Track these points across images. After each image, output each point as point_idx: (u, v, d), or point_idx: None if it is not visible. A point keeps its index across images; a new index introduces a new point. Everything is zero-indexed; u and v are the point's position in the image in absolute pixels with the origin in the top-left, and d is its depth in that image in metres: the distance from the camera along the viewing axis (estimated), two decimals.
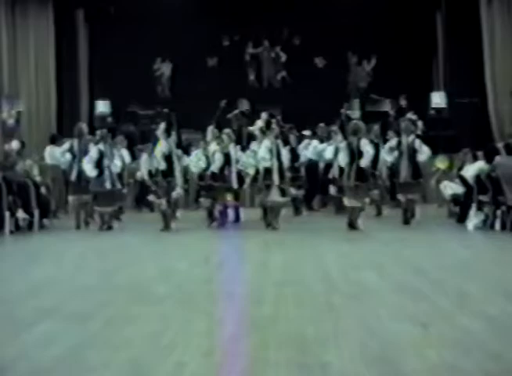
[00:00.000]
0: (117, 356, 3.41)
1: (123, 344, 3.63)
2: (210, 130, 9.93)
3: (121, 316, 4.33)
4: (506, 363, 3.21)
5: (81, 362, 3.36)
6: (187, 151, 10.31)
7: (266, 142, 9.15)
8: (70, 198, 9.78)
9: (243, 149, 11.69)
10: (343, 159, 8.96)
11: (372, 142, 9.40)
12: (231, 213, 9.86)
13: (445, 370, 3.15)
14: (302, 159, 11.11)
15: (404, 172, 9.34)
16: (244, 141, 13.32)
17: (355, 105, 13.67)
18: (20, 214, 9.21)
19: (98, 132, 9.72)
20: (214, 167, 9.28)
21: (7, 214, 8.97)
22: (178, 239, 8.61)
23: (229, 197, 9.46)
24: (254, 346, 3.55)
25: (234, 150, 9.55)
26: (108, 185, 9.15)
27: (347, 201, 8.91)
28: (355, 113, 13.47)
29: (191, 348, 3.55)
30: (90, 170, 9.14)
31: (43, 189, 10.15)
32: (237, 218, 10.05)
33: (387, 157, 9.65)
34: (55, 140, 11.45)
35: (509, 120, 13.76)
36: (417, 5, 14.61)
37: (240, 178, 9.61)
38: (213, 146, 9.52)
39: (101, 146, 9.26)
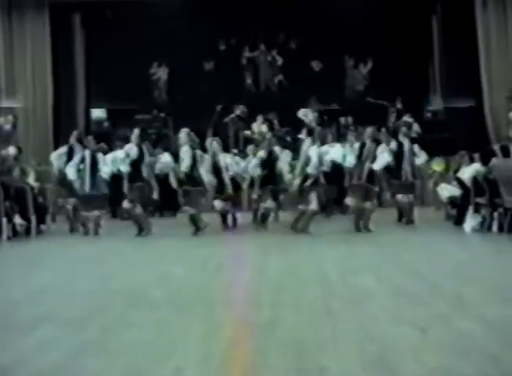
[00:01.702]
0: (114, 362, 3.40)
1: (120, 350, 3.62)
2: (185, 132, 9.91)
3: (119, 321, 4.32)
4: (505, 366, 3.20)
5: (79, 368, 3.35)
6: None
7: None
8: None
9: (241, 152, 11.72)
10: (350, 161, 9.02)
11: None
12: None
13: (443, 374, 3.14)
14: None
15: (405, 174, 9.47)
16: (241, 145, 13.36)
17: (313, 104, 13.73)
18: (17, 219, 9.21)
19: (88, 138, 9.94)
20: (183, 167, 9.06)
21: (4, 220, 8.96)
22: (175, 244, 8.60)
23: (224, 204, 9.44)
24: (252, 351, 3.55)
25: (223, 157, 9.47)
26: (87, 189, 9.29)
27: (350, 201, 8.99)
28: (310, 114, 13.57)
29: (189, 353, 3.54)
30: (71, 173, 9.39)
31: (40, 195, 10.18)
32: (234, 223, 10.07)
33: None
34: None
35: (505, 122, 13.79)
36: (413, 8, 14.65)
37: (235, 183, 9.57)
38: (184, 149, 9.28)
39: (86, 151, 9.43)
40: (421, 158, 9.74)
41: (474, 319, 4.07)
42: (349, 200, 9.08)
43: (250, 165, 9.42)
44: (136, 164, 9.12)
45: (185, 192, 9.19)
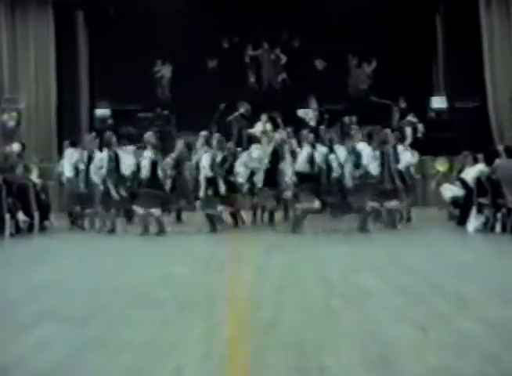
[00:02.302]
0: (116, 360, 3.41)
1: (122, 347, 3.63)
2: (149, 135, 9.87)
3: (120, 319, 4.32)
4: (505, 366, 3.21)
5: (81, 365, 3.35)
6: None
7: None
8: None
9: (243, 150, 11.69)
10: (375, 168, 9.06)
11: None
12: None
13: (444, 373, 3.14)
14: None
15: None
16: (245, 143, 13.36)
17: (312, 103, 13.71)
18: (21, 216, 9.25)
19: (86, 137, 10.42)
20: (144, 172, 9.10)
21: (7, 216, 8.99)
22: (177, 242, 8.61)
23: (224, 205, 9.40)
24: (253, 350, 3.55)
25: (205, 158, 9.29)
26: (82, 187, 9.60)
27: (391, 204, 9.10)
28: (310, 113, 13.56)
29: (190, 351, 3.54)
30: (67, 170, 9.92)
31: (42, 192, 10.23)
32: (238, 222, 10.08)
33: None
34: (75, 144, 11.51)
35: (508, 122, 13.76)
36: (417, 7, 14.62)
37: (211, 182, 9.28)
38: (145, 153, 9.27)
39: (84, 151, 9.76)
40: (414, 158, 9.84)
41: (475, 319, 4.07)
42: (395, 203, 9.13)
43: (298, 161, 9.06)
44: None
45: (139, 194, 9.14)
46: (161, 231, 9.03)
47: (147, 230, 9.06)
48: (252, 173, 9.72)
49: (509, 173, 8.60)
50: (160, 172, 9.11)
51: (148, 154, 9.12)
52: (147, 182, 9.05)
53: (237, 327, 4.10)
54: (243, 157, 9.75)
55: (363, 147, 9.17)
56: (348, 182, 8.89)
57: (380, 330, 3.88)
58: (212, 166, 9.18)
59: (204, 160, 9.24)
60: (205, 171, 9.17)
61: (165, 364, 3.31)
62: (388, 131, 9.67)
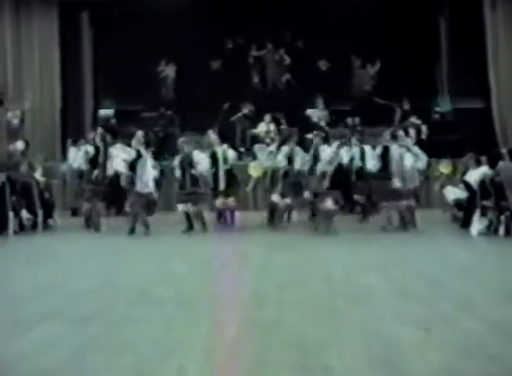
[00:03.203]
0: (118, 359, 3.41)
1: (125, 347, 3.63)
2: (99, 132, 10.03)
3: (123, 318, 4.32)
4: (508, 366, 3.21)
5: (83, 365, 3.35)
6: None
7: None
8: None
9: (248, 150, 11.70)
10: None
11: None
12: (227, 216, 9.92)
13: (447, 373, 3.14)
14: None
15: None
16: (248, 143, 13.37)
17: (319, 104, 13.72)
18: (24, 214, 9.26)
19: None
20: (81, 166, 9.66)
21: (11, 214, 9.01)
22: (179, 241, 8.61)
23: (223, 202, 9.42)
24: (256, 349, 3.55)
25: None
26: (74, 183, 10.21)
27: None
28: (317, 113, 13.57)
29: (193, 351, 3.54)
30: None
31: (46, 190, 10.25)
32: (232, 221, 10.02)
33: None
34: (76, 142, 11.60)
35: None
36: (420, 8, 14.61)
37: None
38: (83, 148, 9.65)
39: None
40: (408, 161, 9.73)
41: (478, 319, 4.07)
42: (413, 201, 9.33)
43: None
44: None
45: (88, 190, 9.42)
46: (96, 229, 9.19)
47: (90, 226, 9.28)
48: (286, 173, 9.66)
49: None
50: (97, 168, 9.39)
51: (87, 149, 9.45)
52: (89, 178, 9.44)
53: (240, 326, 4.11)
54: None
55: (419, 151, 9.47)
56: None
57: (383, 330, 3.88)
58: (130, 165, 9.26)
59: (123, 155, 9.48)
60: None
61: (168, 364, 3.31)
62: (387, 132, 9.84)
